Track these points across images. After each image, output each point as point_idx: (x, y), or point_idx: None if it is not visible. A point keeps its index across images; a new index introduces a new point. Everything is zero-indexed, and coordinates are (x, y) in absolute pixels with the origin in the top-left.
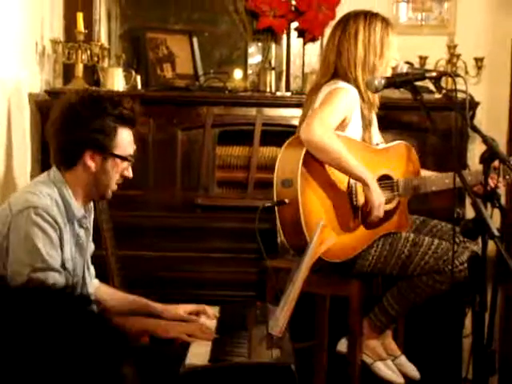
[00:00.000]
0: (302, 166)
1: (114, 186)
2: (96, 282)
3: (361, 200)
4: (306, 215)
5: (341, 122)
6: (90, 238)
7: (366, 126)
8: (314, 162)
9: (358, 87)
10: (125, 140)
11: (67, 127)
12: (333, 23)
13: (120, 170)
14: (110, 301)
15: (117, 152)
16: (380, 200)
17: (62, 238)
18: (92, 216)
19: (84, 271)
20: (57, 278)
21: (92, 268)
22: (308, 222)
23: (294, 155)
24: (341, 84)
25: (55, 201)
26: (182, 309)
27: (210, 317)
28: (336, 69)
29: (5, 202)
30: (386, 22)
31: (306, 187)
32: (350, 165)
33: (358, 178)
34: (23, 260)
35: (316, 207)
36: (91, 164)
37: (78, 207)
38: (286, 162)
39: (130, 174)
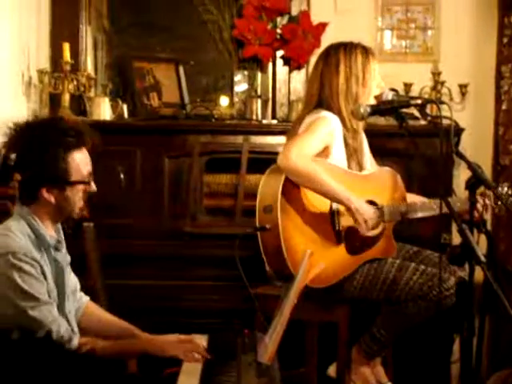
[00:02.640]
0: (281, 192)
1: (80, 205)
2: (85, 298)
3: (343, 224)
4: (287, 240)
5: (323, 151)
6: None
7: (351, 154)
8: (295, 188)
9: (341, 116)
10: (78, 164)
11: (21, 167)
12: (318, 51)
13: (80, 192)
14: (98, 323)
15: (73, 179)
16: (366, 215)
17: (43, 273)
18: (62, 236)
19: (65, 287)
20: (51, 310)
21: (75, 279)
22: (289, 247)
23: (275, 182)
24: (322, 113)
25: (27, 235)
26: (172, 339)
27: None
28: (319, 100)
29: None
30: (366, 51)
31: (286, 213)
32: (330, 187)
33: (339, 200)
34: (14, 303)
35: (297, 232)
36: (50, 198)
37: (49, 235)
38: (266, 188)
39: (93, 188)
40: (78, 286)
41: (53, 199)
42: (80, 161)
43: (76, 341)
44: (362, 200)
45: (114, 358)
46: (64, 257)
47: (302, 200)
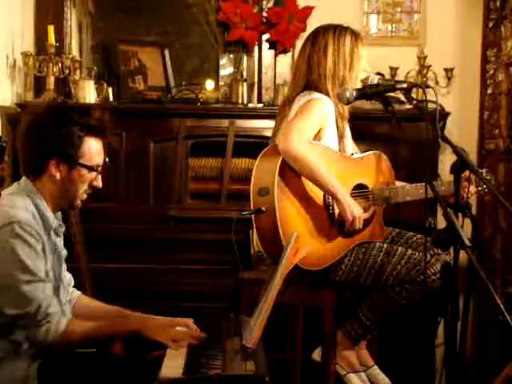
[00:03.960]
0: (278, 175)
1: (83, 196)
2: (77, 293)
3: (337, 209)
4: (283, 223)
5: (316, 133)
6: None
7: (341, 136)
8: (291, 171)
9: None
10: (92, 150)
11: (32, 136)
12: (304, 35)
13: (88, 180)
14: (90, 313)
15: (83, 162)
16: (353, 214)
17: (44, 250)
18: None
19: (61, 278)
20: (45, 288)
21: (69, 275)
22: (285, 230)
23: (271, 164)
24: (316, 95)
25: (32, 213)
26: (163, 321)
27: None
28: (307, 82)
29: None
30: (355, 35)
31: (283, 195)
32: (324, 179)
33: (330, 193)
34: (10, 274)
35: (293, 215)
36: (56, 173)
37: (52, 217)
38: (262, 170)
39: (99, 184)
40: (72, 282)
41: (58, 175)
42: (95, 148)
43: (64, 323)
44: (351, 200)
45: (106, 337)
46: (62, 245)
47: (298, 184)
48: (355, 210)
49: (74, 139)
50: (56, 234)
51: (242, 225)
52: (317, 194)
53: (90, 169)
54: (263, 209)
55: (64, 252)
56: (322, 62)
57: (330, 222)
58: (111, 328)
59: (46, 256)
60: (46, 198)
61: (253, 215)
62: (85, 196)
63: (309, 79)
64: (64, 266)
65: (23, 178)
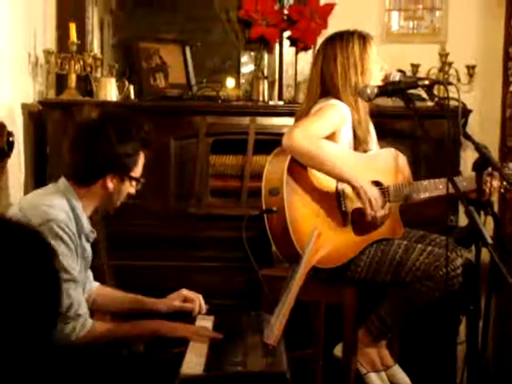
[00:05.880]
0: (287, 174)
1: (120, 203)
2: (96, 284)
3: (349, 206)
4: (294, 222)
5: (331, 137)
6: None
7: (360, 143)
8: (300, 170)
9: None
10: (140, 162)
11: (93, 147)
12: (325, 32)
13: (130, 190)
14: (113, 303)
15: (134, 174)
16: (368, 194)
17: (77, 251)
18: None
19: (86, 282)
20: (77, 288)
21: (89, 271)
22: (296, 230)
23: (280, 164)
24: (332, 101)
25: (67, 214)
26: (175, 297)
27: (193, 300)
28: (322, 91)
29: (13, 207)
30: (363, 38)
31: (293, 195)
32: (334, 167)
33: (343, 179)
34: None
35: (303, 214)
36: (110, 185)
37: (87, 222)
38: (272, 170)
39: (134, 191)
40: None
41: (111, 187)
42: (142, 160)
43: (89, 325)
44: (366, 180)
45: (125, 340)
46: (90, 252)
47: (309, 182)
48: (370, 191)
49: (134, 156)
50: (87, 239)
51: (263, 222)
52: (328, 192)
53: (138, 180)
54: (274, 209)
55: (90, 258)
56: (333, 73)
57: (342, 219)
58: (129, 332)
59: (78, 260)
60: (87, 203)
61: (265, 215)
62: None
63: (323, 89)
64: (89, 273)
65: (63, 180)
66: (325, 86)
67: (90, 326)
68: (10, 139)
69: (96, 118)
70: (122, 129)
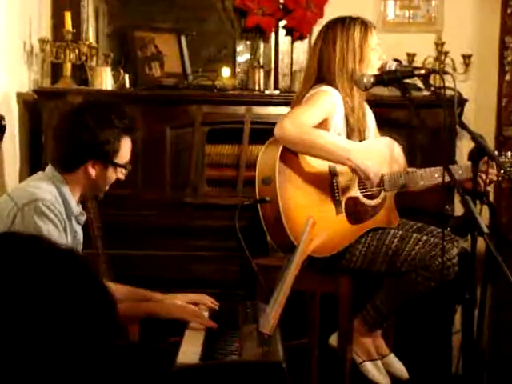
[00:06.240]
0: (279, 163)
1: (107, 189)
2: None
3: (343, 194)
4: (287, 211)
5: (322, 124)
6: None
7: (352, 130)
8: (293, 159)
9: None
10: (126, 148)
11: (73, 134)
12: (321, 21)
13: (117, 176)
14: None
15: (117, 161)
16: (368, 171)
17: (65, 231)
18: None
19: None
20: None
21: None
22: (289, 219)
23: (273, 153)
24: (324, 87)
25: (54, 196)
26: (182, 298)
27: (209, 306)
28: (318, 77)
29: (3, 195)
30: (365, 25)
31: (285, 184)
32: (329, 151)
33: (340, 162)
34: None
35: (297, 203)
36: (92, 171)
37: (75, 204)
38: (265, 160)
39: (123, 177)
40: None
41: (94, 175)
42: (127, 146)
43: None
44: (361, 159)
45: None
46: (81, 234)
47: (302, 170)
48: (367, 168)
49: (115, 143)
50: (77, 222)
51: (258, 211)
52: (321, 181)
53: (123, 167)
54: (267, 198)
55: (81, 241)
56: (331, 57)
57: (335, 208)
58: (124, 312)
59: (69, 239)
60: (74, 188)
61: (258, 204)
62: (108, 187)
63: (319, 75)
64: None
65: (49, 167)
66: (321, 71)
67: None
68: (3, 123)
69: (76, 106)
70: (101, 116)
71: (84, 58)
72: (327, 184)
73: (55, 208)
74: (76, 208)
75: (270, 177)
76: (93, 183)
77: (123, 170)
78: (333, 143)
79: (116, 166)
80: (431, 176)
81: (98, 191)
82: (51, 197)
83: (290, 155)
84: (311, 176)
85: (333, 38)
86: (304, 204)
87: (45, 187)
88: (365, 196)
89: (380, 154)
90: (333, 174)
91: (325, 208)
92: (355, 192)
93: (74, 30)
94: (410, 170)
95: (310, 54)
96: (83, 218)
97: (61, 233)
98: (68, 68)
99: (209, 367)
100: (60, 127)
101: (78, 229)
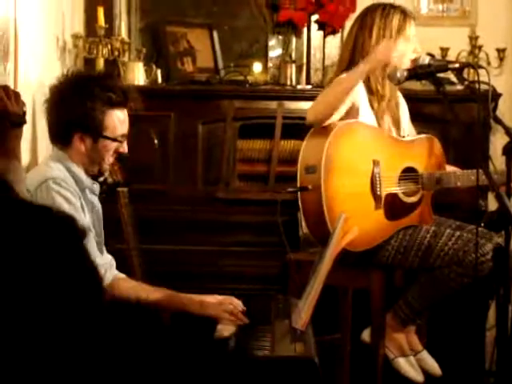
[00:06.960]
0: (326, 153)
1: (110, 162)
2: (121, 276)
3: (383, 190)
4: (329, 201)
5: (350, 110)
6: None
7: (381, 117)
8: (339, 151)
9: (367, 79)
10: (115, 121)
11: (56, 108)
12: (353, 16)
13: (112, 150)
14: (135, 294)
15: (107, 134)
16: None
17: (82, 206)
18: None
19: (102, 235)
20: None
21: (110, 257)
22: (330, 209)
23: (319, 142)
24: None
25: (63, 173)
26: (209, 300)
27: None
28: (350, 62)
29: None
30: (405, 14)
31: (330, 174)
32: (348, 80)
33: (363, 74)
34: None
35: (338, 194)
36: (81, 145)
37: (85, 177)
38: (310, 148)
39: (125, 150)
40: (114, 263)
41: (83, 148)
42: (117, 119)
43: (109, 277)
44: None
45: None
46: (99, 204)
47: (345, 163)
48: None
49: (97, 114)
50: (92, 192)
51: (290, 207)
52: (363, 175)
53: (114, 140)
54: (309, 187)
55: (100, 210)
56: (366, 42)
57: (375, 202)
58: (157, 302)
59: (85, 213)
60: (76, 163)
61: (299, 193)
62: (111, 160)
63: (352, 60)
64: (111, 259)
65: (53, 148)
66: (354, 56)
67: (110, 279)
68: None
69: (62, 79)
70: (82, 89)
71: (116, 53)
72: (369, 178)
73: (67, 184)
74: (87, 180)
75: (315, 166)
76: (87, 157)
77: (118, 144)
78: (347, 74)
79: (105, 138)
80: (468, 178)
81: (96, 165)
82: (60, 173)
83: (336, 145)
84: (354, 168)
85: (370, 23)
86: (345, 195)
87: (53, 165)
88: (403, 193)
89: (421, 152)
90: (375, 168)
91: (364, 201)
92: (395, 188)
93: (107, 26)
94: (448, 170)
95: (345, 39)
96: (97, 187)
97: (77, 208)
98: (101, 63)
99: (241, 362)
100: (47, 102)
101: (95, 200)
